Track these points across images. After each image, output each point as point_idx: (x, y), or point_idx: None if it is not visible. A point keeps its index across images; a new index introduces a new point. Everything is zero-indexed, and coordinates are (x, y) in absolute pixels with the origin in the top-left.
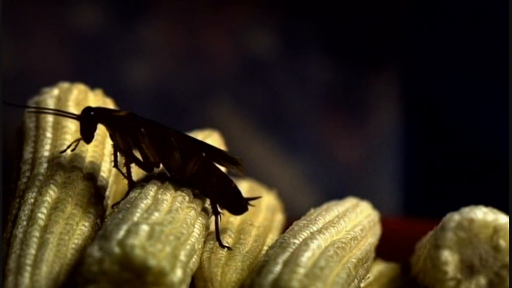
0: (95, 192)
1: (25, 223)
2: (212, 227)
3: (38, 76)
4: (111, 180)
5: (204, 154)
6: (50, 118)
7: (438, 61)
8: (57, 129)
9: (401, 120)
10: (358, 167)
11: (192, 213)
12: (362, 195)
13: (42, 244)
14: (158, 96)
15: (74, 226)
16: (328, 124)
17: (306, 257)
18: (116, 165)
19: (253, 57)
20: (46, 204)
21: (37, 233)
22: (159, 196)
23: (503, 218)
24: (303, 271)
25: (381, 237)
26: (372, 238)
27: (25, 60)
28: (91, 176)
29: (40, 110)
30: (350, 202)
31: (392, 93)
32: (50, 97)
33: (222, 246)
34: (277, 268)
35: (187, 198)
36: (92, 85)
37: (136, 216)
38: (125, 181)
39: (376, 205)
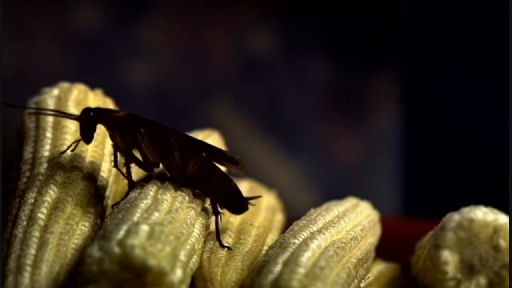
0: (95, 192)
1: (25, 223)
2: (212, 227)
3: (38, 76)
4: (111, 180)
5: (204, 154)
6: (50, 118)
7: (438, 61)
8: (57, 129)
9: (401, 120)
10: (358, 167)
11: (192, 213)
12: (362, 195)
13: (42, 244)
14: (158, 96)
15: (74, 226)
16: (328, 124)
17: (306, 257)
18: (116, 165)
19: (253, 57)
20: (46, 204)
21: (37, 233)
22: (159, 196)
23: (503, 218)
24: (303, 271)
25: (381, 237)
26: (372, 238)
27: (25, 60)
28: (91, 176)
29: (40, 111)
30: (350, 202)
31: (392, 93)
32: (50, 97)
33: (222, 246)
34: (277, 268)
35: (187, 198)
36: (92, 85)
37: (136, 216)
38: (125, 181)
39: (376, 205)
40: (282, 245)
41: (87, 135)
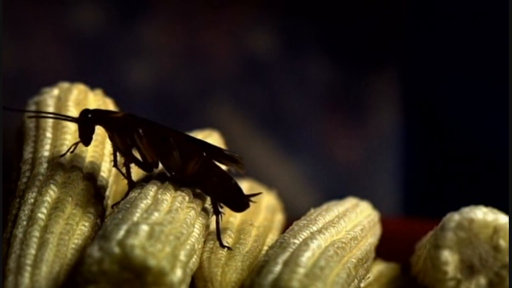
0: (95, 192)
1: (25, 223)
2: (213, 226)
3: (38, 76)
4: (111, 180)
5: (204, 154)
6: (50, 118)
7: (438, 62)
8: (57, 129)
9: (401, 120)
10: (358, 167)
11: (192, 213)
12: (362, 195)
13: (42, 244)
14: (158, 96)
15: (74, 226)
16: (328, 124)
17: (306, 257)
18: (116, 165)
19: (253, 57)
20: (46, 204)
21: (37, 233)
22: (159, 196)
23: (503, 218)
24: (303, 271)
25: (381, 237)
26: (372, 238)
27: (25, 60)
28: (91, 176)
29: (39, 115)
30: (350, 202)
31: (392, 93)
32: (50, 97)
33: (223, 246)
34: (277, 268)
35: (187, 198)
36: (92, 85)
37: (136, 216)
38: (125, 181)
39: (376, 205)
40: (282, 245)
41: (86, 137)
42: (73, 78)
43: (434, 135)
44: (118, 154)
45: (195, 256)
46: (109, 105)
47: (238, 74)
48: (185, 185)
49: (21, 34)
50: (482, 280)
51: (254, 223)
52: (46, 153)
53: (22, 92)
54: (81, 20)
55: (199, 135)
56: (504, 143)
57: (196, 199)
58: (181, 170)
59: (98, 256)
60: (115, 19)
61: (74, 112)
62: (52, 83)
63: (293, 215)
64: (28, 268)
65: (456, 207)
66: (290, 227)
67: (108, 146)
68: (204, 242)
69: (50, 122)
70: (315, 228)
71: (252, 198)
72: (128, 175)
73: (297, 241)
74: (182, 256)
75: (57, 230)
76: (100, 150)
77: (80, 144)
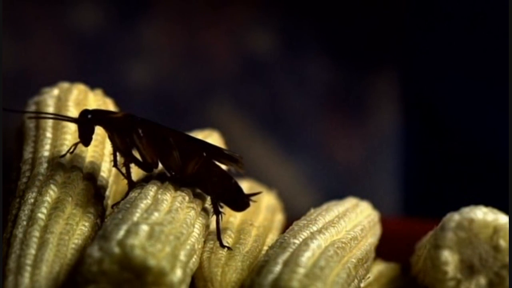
0: (95, 192)
1: (25, 223)
2: (213, 226)
3: (38, 76)
4: (111, 180)
5: (204, 154)
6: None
7: (438, 62)
8: (57, 129)
9: (401, 120)
10: (358, 167)
11: (192, 213)
12: (362, 195)
13: (42, 244)
14: (158, 96)
15: (74, 226)
16: (328, 124)
17: (306, 257)
18: (115, 165)
19: (253, 57)
20: (46, 204)
21: (37, 233)
22: (159, 196)
23: (503, 218)
24: (303, 271)
25: (381, 237)
26: (372, 238)
27: (25, 60)
28: (91, 176)
29: (39, 116)
30: (350, 202)
31: (392, 93)
32: (50, 97)
33: (223, 246)
34: (277, 268)
35: (187, 198)
36: (92, 85)
37: (136, 216)
38: (125, 181)
39: (376, 205)
40: (282, 245)
41: (85, 138)
42: (73, 78)
43: (434, 135)
44: (118, 154)
45: (195, 256)
46: (109, 105)
47: (238, 74)
48: (185, 185)
49: (21, 34)
50: (482, 280)
51: (254, 223)
52: (46, 153)
53: (22, 92)
54: (81, 20)
55: (199, 135)
56: (504, 143)
57: (196, 199)
58: (181, 170)
59: (98, 256)
60: (115, 19)
61: (74, 112)
62: (52, 83)
63: (293, 215)
64: (28, 268)
65: (456, 207)
66: (290, 227)
67: (108, 146)
68: (204, 242)
69: (50, 122)
70: (315, 228)
71: (252, 198)
72: (128, 175)
73: (297, 241)
74: (182, 256)
75: (57, 230)
76: (100, 150)
77: (80, 144)
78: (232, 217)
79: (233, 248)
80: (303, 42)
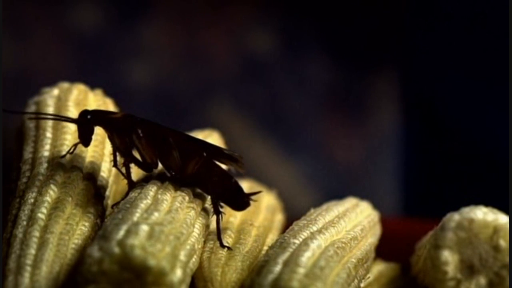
0: (95, 192)
1: (25, 223)
2: (213, 226)
3: (38, 76)
4: (111, 180)
5: (204, 154)
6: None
7: (438, 61)
8: (57, 129)
9: (401, 120)
10: (358, 167)
11: (192, 213)
12: (362, 195)
13: (42, 244)
14: (158, 96)
15: (74, 226)
16: (328, 124)
17: (306, 257)
18: (115, 165)
19: (253, 57)
20: (46, 204)
21: (37, 233)
22: (159, 196)
23: (503, 218)
24: (303, 271)
25: (381, 237)
26: (372, 238)
27: (25, 60)
28: (91, 176)
29: (38, 116)
30: (350, 202)
31: (392, 93)
32: (50, 97)
33: (223, 246)
34: (277, 268)
35: (187, 198)
36: (92, 85)
37: (136, 216)
38: (125, 181)
39: (376, 205)
40: (282, 245)
41: (85, 138)
42: (73, 78)
43: (434, 135)
44: (118, 154)
45: (195, 256)
46: (109, 105)
47: (238, 74)
48: (185, 185)
49: (21, 34)
50: (482, 280)
51: (254, 223)
52: (46, 153)
53: (22, 92)
54: (81, 20)
55: (199, 135)
56: (504, 143)
57: (196, 199)
58: (181, 170)
59: (98, 256)
60: (115, 19)
61: (74, 112)
62: (52, 83)
63: (293, 215)
64: (28, 268)
65: (456, 207)
66: (290, 227)
67: (108, 146)
68: (204, 242)
69: (50, 122)
70: (315, 228)
71: (253, 197)
72: (128, 175)
73: (297, 241)
74: (182, 256)
75: (57, 230)
76: (100, 150)
77: (80, 144)
78: (232, 217)
79: (233, 248)
80: (303, 42)
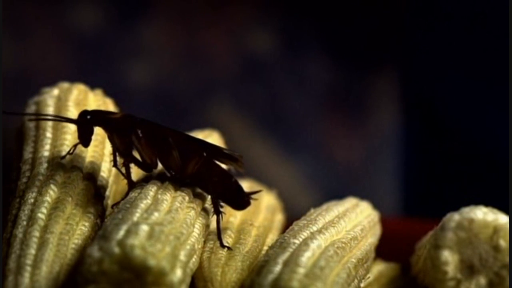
0: (95, 192)
1: (25, 223)
2: (213, 226)
3: (38, 76)
4: (111, 180)
5: (204, 154)
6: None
7: (438, 61)
8: (57, 129)
9: (401, 120)
10: (358, 167)
11: (192, 213)
12: (362, 195)
13: (42, 244)
14: (158, 96)
15: (74, 226)
16: (328, 124)
17: (306, 257)
18: (115, 165)
19: (253, 57)
20: (46, 204)
21: (37, 233)
22: (159, 196)
23: (503, 218)
24: (303, 271)
25: (381, 237)
26: (372, 238)
27: (25, 60)
28: (91, 176)
29: (38, 117)
30: (350, 202)
31: (392, 93)
32: (50, 97)
33: (223, 246)
34: (277, 268)
35: (187, 198)
36: (92, 85)
37: (136, 216)
38: (125, 181)
39: (376, 205)
40: (282, 245)
41: (85, 139)
42: (73, 78)
43: (434, 135)
44: (117, 154)
45: (195, 256)
46: (109, 105)
47: (238, 74)
48: (185, 185)
49: (21, 34)
50: (482, 280)
51: (254, 223)
52: (46, 153)
53: (22, 92)
54: (81, 20)
55: (199, 135)
56: (504, 143)
57: (196, 199)
58: (181, 170)
59: (98, 256)
60: (115, 19)
61: (74, 112)
62: (52, 83)
63: (293, 215)
64: (28, 268)
65: (456, 207)
66: (290, 227)
67: (108, 146)
68: (204, 242)
69: (50, 122)
70: (315, 228)
71: (253, 196)
72: (127, 175)
73: (297, 241)
74: (182, 256)
75: (57, 230)
76: (100, 150)
77: (80, 144)
78: (232, 217)
79: (233, 248)
80: (303, 42)
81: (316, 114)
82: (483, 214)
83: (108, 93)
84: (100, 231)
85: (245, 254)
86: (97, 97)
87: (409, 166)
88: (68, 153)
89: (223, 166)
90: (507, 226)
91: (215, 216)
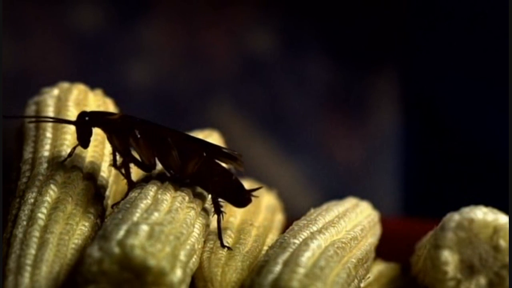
0: (95, 192)
1: (25, 223)
2: (213, 226)
3: (38, 76)
4: (111, 180)
5: (204, 154)
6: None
7: (438, 61)
8: (57, 129)
9: (401, 120)
10: (358, 167)
11: (192, 213)
12: (362, 195)
13: (42, 244)
14: (158, 96)
15: (74, 226)
16: (328, 124)
17: (306, 257)
18: (115, 165)
19: (253, 57)
20: (46, 204)
21: (37, 233)
22: (159, 196)
23: (503, 218)
24: (303, 271)
25: (381, 237)
26: (372, 238)
27: (25, 60)
28: (91, 176)
29: (37, 119)
30: (350, 202)
31: (392, 93)
32: (50, 97)
33: (223, 246)
34: (277, 268)
35: (187, 198)
36: (92, 85)
37: (136, 216)
38: (125, 181)
39: (376, 205)
40: (282, 245)
41: (83, 140)
42: (73, 78)
43: (434, 135)
44: (117, 154)
45: (195, 256)
46: (109, 105)
47: (238, 74)
48: (185, 185)
49: (21, 34)
50: (482, 280)
51: (254, 223)
52: (46, 153)
53: (22, 92)
54: (81, 20)
55: (199, 135)
56: (504, 143)
57: (196, 199)
58: (181, 170)
59: (98, 256)
60: (115, 19)
61: (74, 112)
62: (52, 83)
63: (293, 215)
64: (28, 268)
65: (456, 207)
66: (290, 227)
67: (108, 146)
68: (204, 242)
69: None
70: (315, 228)
71: (253, 193)
72: (127, 175)
73: (297, 241)
74: (182, 256)
75: (57, 230)
76: (100, 150)
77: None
78: (232, 217)
79: (233, 248)
80: (303, 42)
81: (316, 114)
82: (483, 214)
83: (108, 93)
84: (100, 231)
85: (245, 254)
86: (97, 97)
87: (409, 166)
88: (69, 155)
89: (223, 165)
90: (507, 226)
91: (215, 216)
